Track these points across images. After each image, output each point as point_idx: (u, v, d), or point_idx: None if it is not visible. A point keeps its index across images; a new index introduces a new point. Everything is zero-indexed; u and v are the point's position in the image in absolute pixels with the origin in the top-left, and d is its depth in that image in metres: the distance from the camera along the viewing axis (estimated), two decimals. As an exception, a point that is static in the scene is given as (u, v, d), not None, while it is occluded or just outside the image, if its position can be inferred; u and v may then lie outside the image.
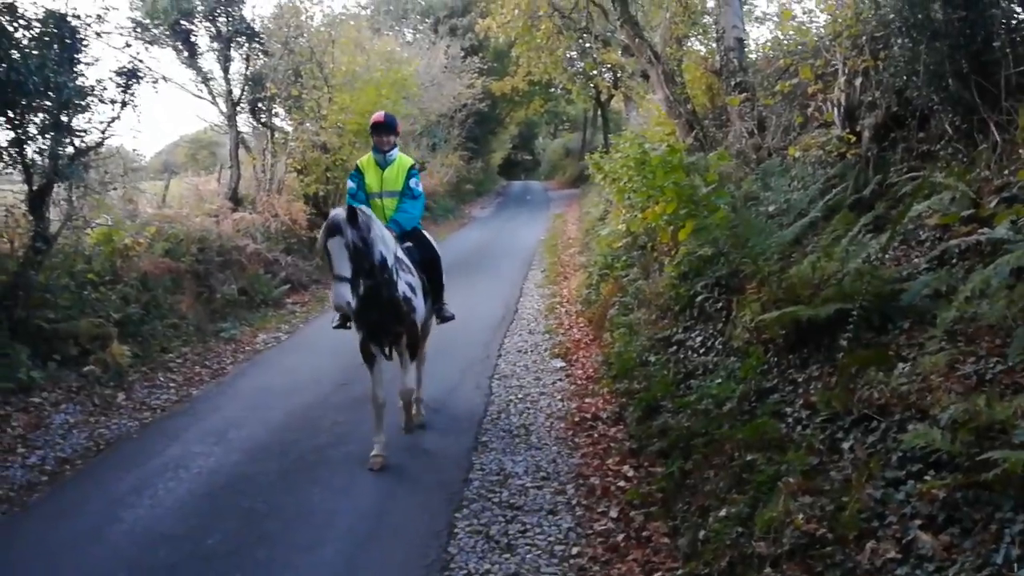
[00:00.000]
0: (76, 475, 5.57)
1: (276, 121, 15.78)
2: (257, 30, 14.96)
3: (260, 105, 15.10)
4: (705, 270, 6.21)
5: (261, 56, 14.96)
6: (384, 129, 5.74)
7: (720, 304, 5.79)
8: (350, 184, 5.86)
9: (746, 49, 10.16)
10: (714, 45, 11.24)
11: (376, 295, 4.94)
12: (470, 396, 6.94)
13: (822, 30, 7.48)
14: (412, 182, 5.75)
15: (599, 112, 37.51)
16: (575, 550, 4.13)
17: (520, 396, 6.91)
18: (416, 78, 20.07)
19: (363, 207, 4.97)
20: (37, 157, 7.95)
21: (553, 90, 36.29)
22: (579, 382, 7.14)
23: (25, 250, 7.76)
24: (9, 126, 7.53)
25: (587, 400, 6.54)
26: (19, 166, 7.91)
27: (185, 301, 9.53)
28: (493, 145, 38.21)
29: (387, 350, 5.47)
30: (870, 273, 4.15)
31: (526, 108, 38.04)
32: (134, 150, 16.42)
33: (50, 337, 7.39)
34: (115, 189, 9.91)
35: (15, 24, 7.37)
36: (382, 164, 5.74)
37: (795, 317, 4.34)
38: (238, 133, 15.11)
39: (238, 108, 14.91)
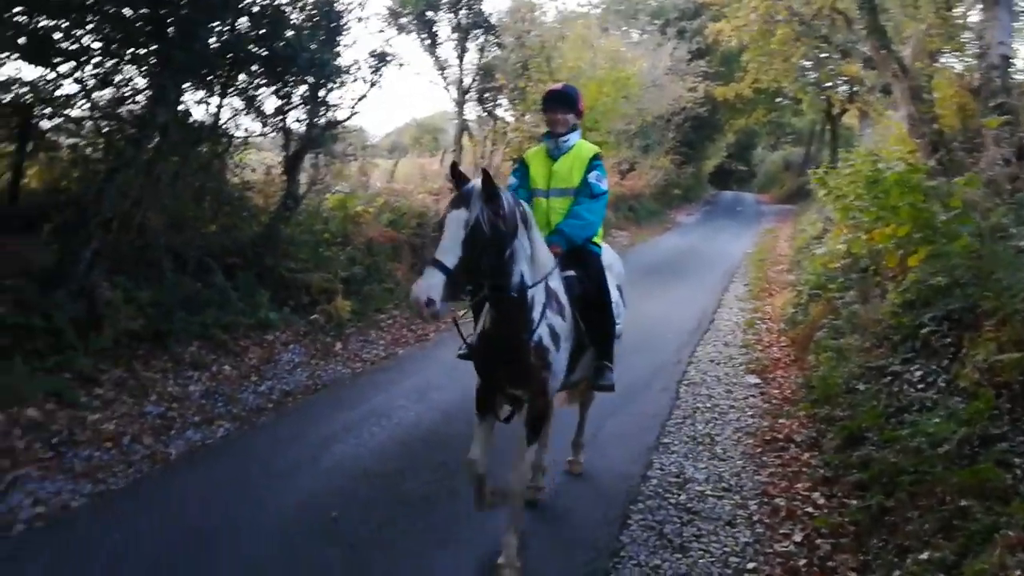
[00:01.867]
0: (296, 407, 6.26)
1: (499, 111, 16.52)
2: (493, 23, 15.72)
3: (487, 95, 15.90)
4: (936, 301, 5.70)
5: (494, 48, 15.72)
6: (559, 102, 4.23)
7: (949, 339, 5.30)
8: (510, 180, 4.42)
9: (1012, 68, 9.14)
10: (973, 62, 10.22)
11: (500, 330, 3.59)
12: (657, 397, 6.89)
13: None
14: (593, 176, 4.18)
15: (828, 126, 35.25)
16: (751, 565, 4.01)
17: (708, 405, 6.76)
18: (638, 78, 20.05)
19: (522, 202, 3.64)
20: (295, 125, 8.96)
21: (780, 100, 34.61)
22: (774, 401, 6.85)
23: (277, 207, 8.78)
24: (277, 95, 8.54)
25: (781, 420, 6.26)
26: (281, 132, 8.96)
27: (401, 269, 10.28)
28: (707, 152, 37.20)
29: (504, 411, 3.95)
30: None
31: (747, 117, 36.59)
32: (367, 130, 17.93)
33: (288, 285, 8.31)
34: (354, 160, 10.94)
35: (293, 7, 8.34)
36: (554, 153, 4.27)
37: (1039, 362, 3.89)
38: (464, 119, 15.99)
39: (467, 96, 15.77)
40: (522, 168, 4.43)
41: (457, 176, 3.37)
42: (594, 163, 4.24)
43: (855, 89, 21.23)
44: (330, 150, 9.46)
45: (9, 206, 7.35)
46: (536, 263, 3.58)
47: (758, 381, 7.52)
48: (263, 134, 9.08)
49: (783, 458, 5.48)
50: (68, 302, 6.02)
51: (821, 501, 4.66)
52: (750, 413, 6.55)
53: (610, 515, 4.52)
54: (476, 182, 3.29)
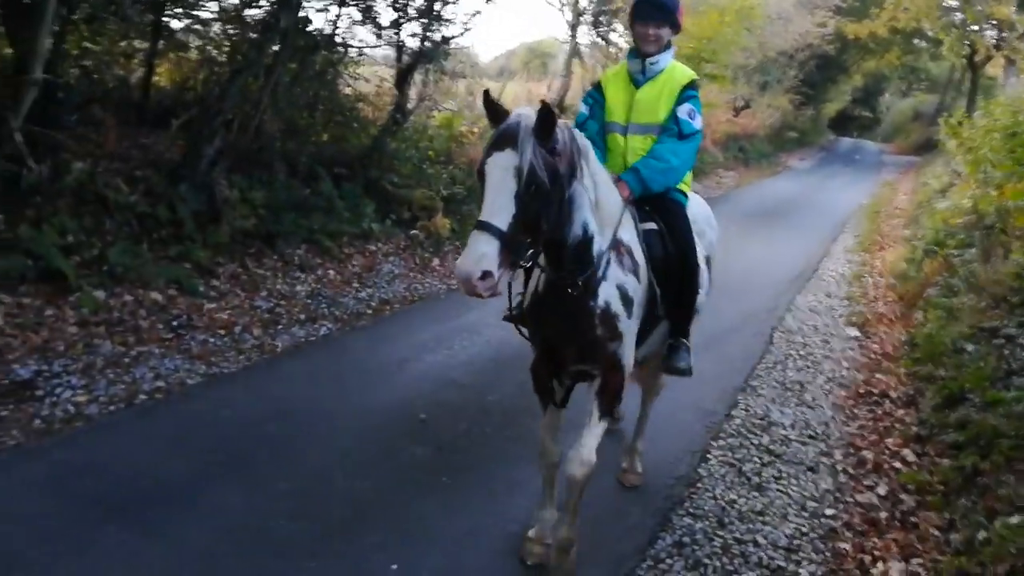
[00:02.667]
0: (392, 315, 6.52)
1: (613, 36, 16.04)
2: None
3: (602, 18, 15.41)
4: (1064, 265, 5.33)
5: (615, -33, 15.18)
6: (651, 9, 3.35)
7: (1073, 307, 4.97)
8: (580, 108, 3.62)
9: None
10: None
11: (556, 293, 2.87)
12: (748, 341, 6.79)
13: None
14: (685, 110, 3.32)
15: (968, 74, 32.58)
16: (829, 511, 3.99)
17: (802, 354, 6.61)
18: (764, 9, 18.98)
19: (574, 131, 2.75)
20: (409, 39, 9.01)
21: (917, 41, 32.11)
22: (872, 356, 6.63)
23: (386, 120, 8.93)
24: (394, 8, 8.58)
25: (877, 375, 6.07)
26: (394, 45, 9.04)
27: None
28: (830, 94, 35.13)
29: (564, 390, 3.25)
30: None
31: (879, 58, 34.16)
32: (477, 51, 17.81)
33: (391, 199, 8.53)
34: (462, 79, 10.94)
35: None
36: (638, 78, 3.41)
37: None
38: (576, 44, 15.64)
39: (581, 19, 15.37)
40: (596, 94, 3.55)
41: (493, 108, 2.58)
42: (687, 94, 3.35)
43: (1004, 35, 19.42)
44: (440, 66, 9.48)
45: (141, 101, 7.78)
46: (601, 209, 2.83)
47: (858, 334, 7.28)
48: (377, 46, 9.18)
49: (876, 413, 5.34)
50: (190, 196, 6.39)
51: (911, 458, 4.54)
52: (846, 365, 6.37)
53: (691, 448, 4.56)
54: (522, 113, 2.50)
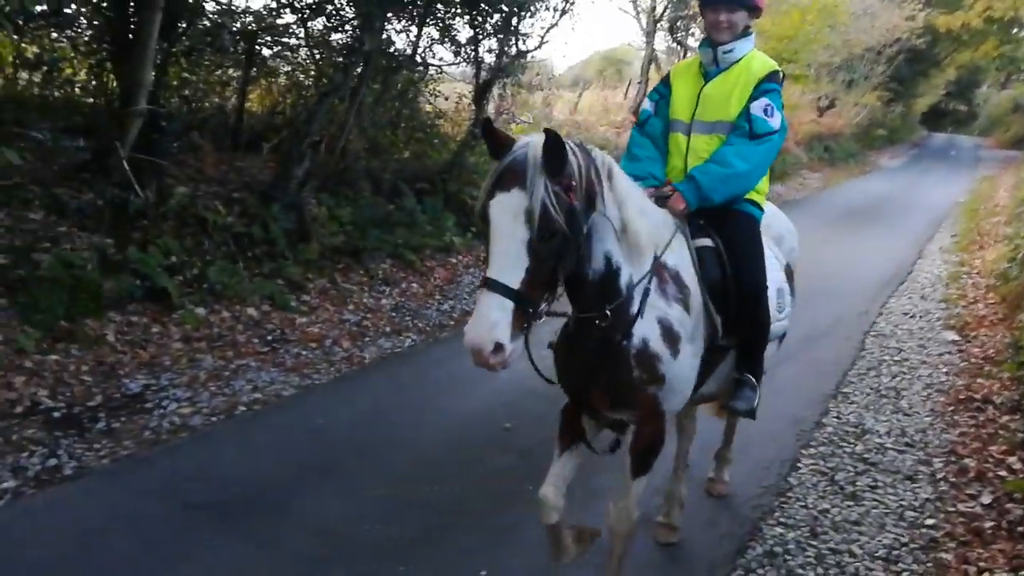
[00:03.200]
0: (475, 326, 6.62)
1: (691, 41, 15.86)
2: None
3: (679, 23, 15.27)
4: None
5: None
6: None
7: None
8: (644, 105, 3.23)
9: None
10: None
11: (584, 330, 2.49)
12: (839, 345, 6.60)
13: None
14: (760, 106, 2.85)
15: (1074, 61, 30.67)
16: (930, 521, 3.83)
17: (896, 359, 6.37)
18: (847, 5, 18.40)
19: (591, 148, 2.38)
20: (486, 55, 9.18)
21: (1016, 30, 30.41)
22: (973, 360, 6.32)
23: (465, 135, 9.11)
24: (471, 25, 8.76)
25: (979, 380, 5.79)
26: (472, 61, 9.22)
27: (579, 201, 10.37)
28: (920, 88, 33.65)
29: (600, 437, 2.90)
30: None
31: (974, 50, 32.45)
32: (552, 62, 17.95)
33: (470, 211, 8.67)
34: (541, 90, 11.05)
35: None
36: (709, 69, 2.99)
37: None
38: (653, 50, 15.54)
39: (658, 25, 15.27)
40: (663, 89, 3.14)
41: (494, 138, 2.22)
42: (765, 87, 2.87)
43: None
44: (517, 80, 9.62)
45: (235, 126, 8.19)
46: (632, 233, 2.41)
47: (957, 338, 6.96)
48: (456, 63, 9.39)
49: (977, 419, 5.09)
50: (282, 215, 6.69)
51: (1017, 466, 4.32)
52: (944, 370, 6.10)
53: (780, 456, 4.46)
54: (531, 143, 2.12)
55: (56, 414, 4.26)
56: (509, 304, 2.06)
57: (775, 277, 3.09)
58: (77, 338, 4.85)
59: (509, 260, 2.07)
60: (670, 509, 3.55)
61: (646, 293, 2.50)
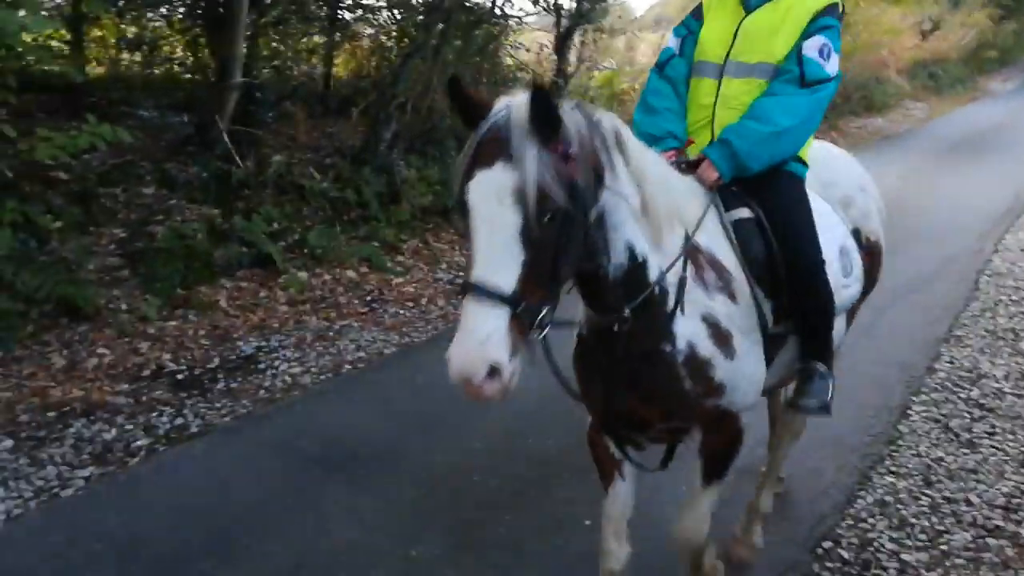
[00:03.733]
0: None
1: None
2: None
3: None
4: None
5: None
6: None
7: None
8: (668, 42, 2.68)
9: None
10: None
11: (607, 340, 2.04)
12: (950, 288, 6.28)
13: None
14: (813, 45, 2.33)
15: None
16: (1055, 469, 3.66)
17: (1015, 299, 6.03)
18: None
19: (594, 109, 1.87)
20: (566, 1, 9.00)
21: None
22: (1102, 297, 5.92)
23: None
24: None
25: (1108, 319, 5.43)
26: (552, 9, 9.07)
27: (668, 148, 10.16)
28: (1039, 2, 30.85)
29: (632, 454, 2.39)
30: None
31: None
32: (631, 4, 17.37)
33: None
34: (624, 34, 10.76)
35: None
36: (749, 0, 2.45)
37: None
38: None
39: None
40: (693, 22, 2.59)
41: (464, 101, 1.73)
42: (823, 22, 2.34)
43: None
44: (599, 25, 9.41)
45: (324, 92, 8.37)
46: (653, 211, 1.94)
47: (1083, 274, 6.51)
48: (535, 13, 9.25)
49: (1107, 360, 4.79)
50: (373, 178, 6.84)
51: None
52: (1069, 309, 5.74)
53: (888, 403, 4.33)
54: (512, 104, 1.65)
55: (179, 376, 4.56)
56: (503, 312, 1.57)
57: (835, 235, 2.58)
58: (193, 305, 5.15)
59: (498, 256, 1.59)
60: (750, 524, 3.06)
61: (682, 284, 2.01)
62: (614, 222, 1.85)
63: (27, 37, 4.52)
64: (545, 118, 1.60)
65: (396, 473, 3.69)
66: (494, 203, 1.59)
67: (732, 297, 2.15)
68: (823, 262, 2.37)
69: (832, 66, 2.33)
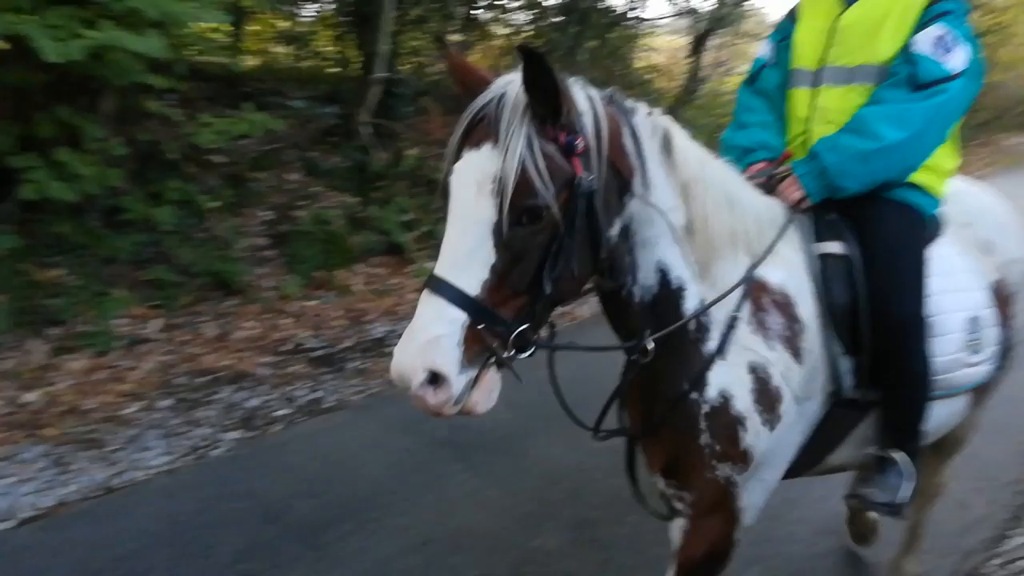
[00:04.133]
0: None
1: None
2: None
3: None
4: None
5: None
6: None
7: None
8: (760, 52, 2.36)
9: None
10: None
11: (630, 371, 1.85)
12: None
13: None
14: (929, 38, 1.90)
15: None
16: None
17: None
18: None
19: (629, 100, 1.69)
20: (703, 5, 8.86)
21: None
22: None
23: (680, 89, 8.90)
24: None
25: None
26: (688, 13, 8.95)
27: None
28: None
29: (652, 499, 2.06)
30: None
31: None
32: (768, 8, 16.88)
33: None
34: (758, 39, 10.48)
35: None
36: None
37: None
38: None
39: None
40: (788, 24, 2.22)
41: (462, 72, 1.57)
42: (939, 7, 1.92)
43: None
44: (737, 28, 9.21)
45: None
46: (705, 235, 1.69)
47: None
48: (671, 16, 9.15)
49: None
50: (501, 175, 6.95)
51: None
52: None
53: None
54: (512, 80, 1.44)
55: (316, 353, 4.80)
56: (459, 316, 1.37)
57: (966, 302, 2.05)
58: (331, 286, 5.41)
59: (466, 252, 1.39)
60: None
61: (731, 323, 1.72)
62: (644, 238, 1.62)
63: (195, 28, 4.84)
64: (543, 93, 1.37)
65: (519, 463, 3.74)
66: (472, 191, 1.40)
67: (797, 353, 1.78)
68: (920, 319, 1.90)
69: (956, 60, 1.89)
